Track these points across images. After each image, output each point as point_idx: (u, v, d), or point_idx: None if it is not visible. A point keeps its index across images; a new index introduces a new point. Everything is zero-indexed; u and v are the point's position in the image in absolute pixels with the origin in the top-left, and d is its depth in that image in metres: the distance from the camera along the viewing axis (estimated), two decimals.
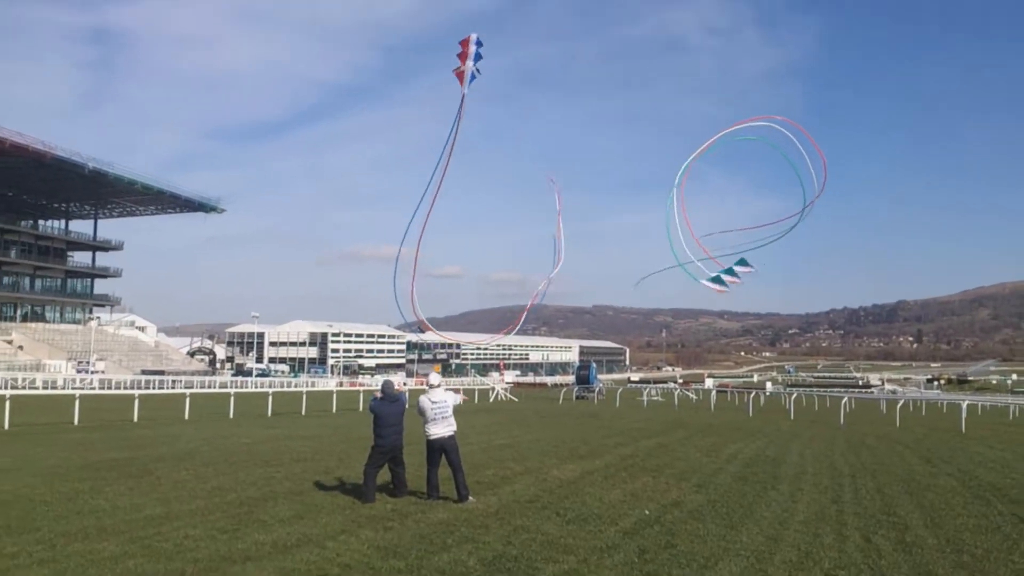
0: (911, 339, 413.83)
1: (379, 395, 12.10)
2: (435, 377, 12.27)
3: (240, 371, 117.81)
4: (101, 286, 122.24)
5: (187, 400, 31.85)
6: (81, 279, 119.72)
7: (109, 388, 55.80)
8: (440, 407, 11.33)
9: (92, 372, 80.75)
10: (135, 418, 28.08)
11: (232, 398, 33.93)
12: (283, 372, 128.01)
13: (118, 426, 25.96)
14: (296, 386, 69.65)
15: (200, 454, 17.25)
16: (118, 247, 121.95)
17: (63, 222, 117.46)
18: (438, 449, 11.32)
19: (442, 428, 11.28)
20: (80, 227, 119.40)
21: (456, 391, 12.24)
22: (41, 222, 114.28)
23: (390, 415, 11.63)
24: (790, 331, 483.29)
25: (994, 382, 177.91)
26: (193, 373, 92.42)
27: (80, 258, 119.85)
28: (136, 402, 29.54)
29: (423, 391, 12.12)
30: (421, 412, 11.45)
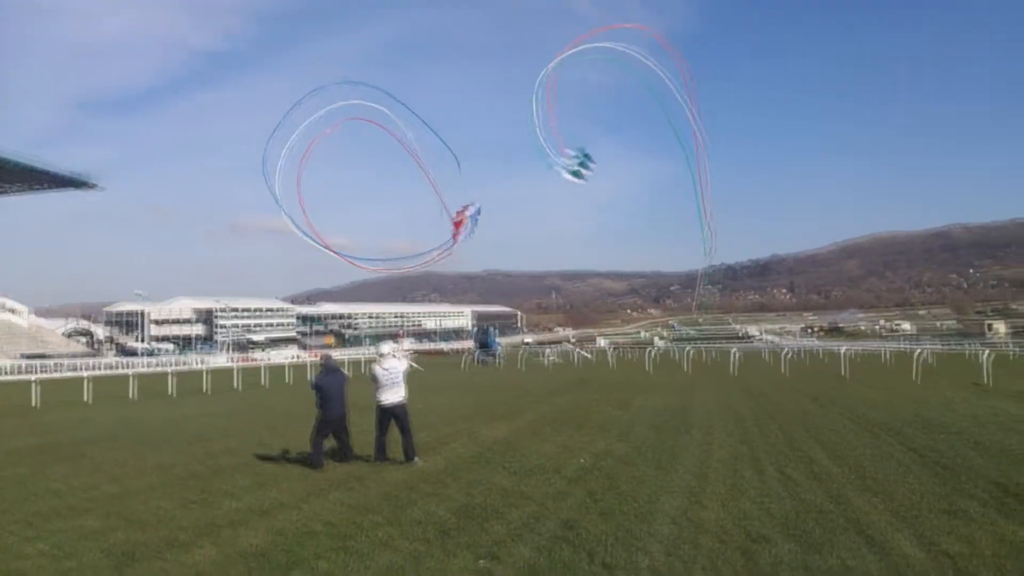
0: (785, 291, 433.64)
1: (322, 363, 12.58)
2: (386, 346, 12.74)
3: (125, 351, 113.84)
4: None
5: (86, 383, 31.10)
6: None
7: None
8: (391, 374, 11.88)
9: None
10: (36, 403, 27.33)
11: (133, 379, 33.23)
12: (168, 351, 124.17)
13: (20, 412, 25.21)
14: (187, 364, 68.11)
15: (123, 435, 17.20)
16: None
17: None
18: (389, 415, 11.88)
19: (392, 395, 11.83)
20: None
21: (406, 357, 12.71)
22: None
23: (333, 387, 12.09)
24: (673, 288, 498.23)
25: (863, 328, 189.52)
26: (77, 355, 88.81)
27: None
28: (35, 387, 28.70)
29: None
30: (374, 379, 11.96)
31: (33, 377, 32.30)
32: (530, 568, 6.42)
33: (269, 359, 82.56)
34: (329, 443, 12.24)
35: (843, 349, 39.37)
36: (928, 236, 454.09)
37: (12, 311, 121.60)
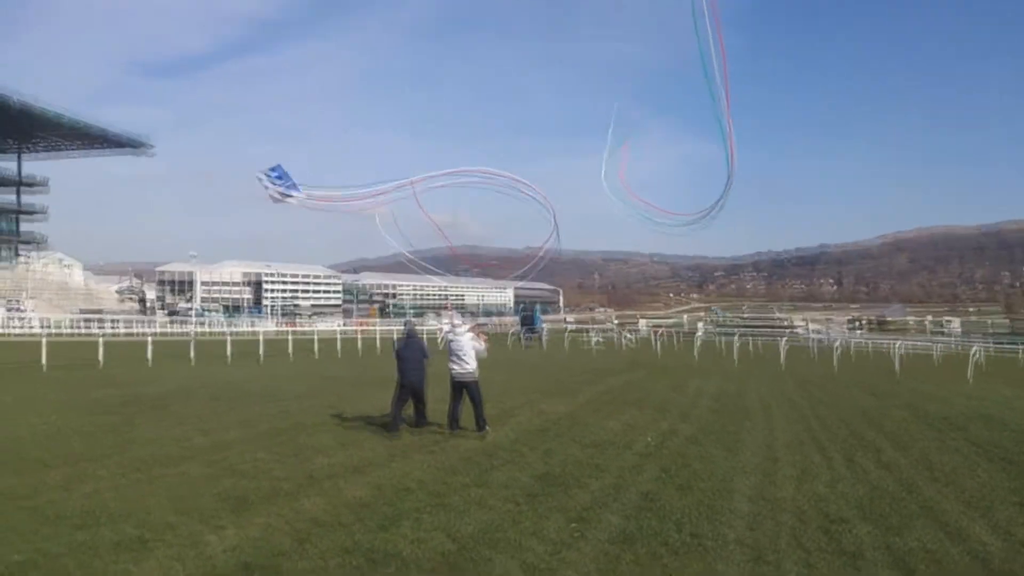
0: (832, 282, 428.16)
1: (403, 336, 12.99)
2: (456, 318, 13.20)
3: (174, 311, 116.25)
4: (27, 225, 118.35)
5: (149, 345, 32.10)
6: (6, 217, 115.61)
7: (48, 327, 54.96)
8: (455, 345, 12.28)
9: (22, 311, 79.04)
10: (100, 361, 28.29)
11: (192, 343, 34.16)
12: (217, 312, 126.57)
13: (87, 367, 26.10)
14: (237, 327, 69.43)
15: (197, 391, 17.87)
16: (43, 184, 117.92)
17: None
18: (458, 386, 12.28)
19: (459, 367, 12.21)
20: (3, 163, 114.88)
21: (479, 336, 12.97)
22: None
23: (411, 357, 12.52)
24: (717, 274, 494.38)
25: (910, 323, 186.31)
26: (131, 313, 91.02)
27: (3, 196, 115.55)
28: (101, 346, 29.69)
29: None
30: (448, 350, 12.39)
31: (99, 333, 33.33)
32: (621, 534, 6.75)
33: (313, 326, 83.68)
34: (407, 411, 12.68)
35: (897, 344, 39.12)
36: (980, 233, 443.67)
37: (68, 267, 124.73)
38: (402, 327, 13.64)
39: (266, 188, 15.26)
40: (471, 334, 12.66)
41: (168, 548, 5.96)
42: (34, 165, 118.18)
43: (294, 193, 15.36)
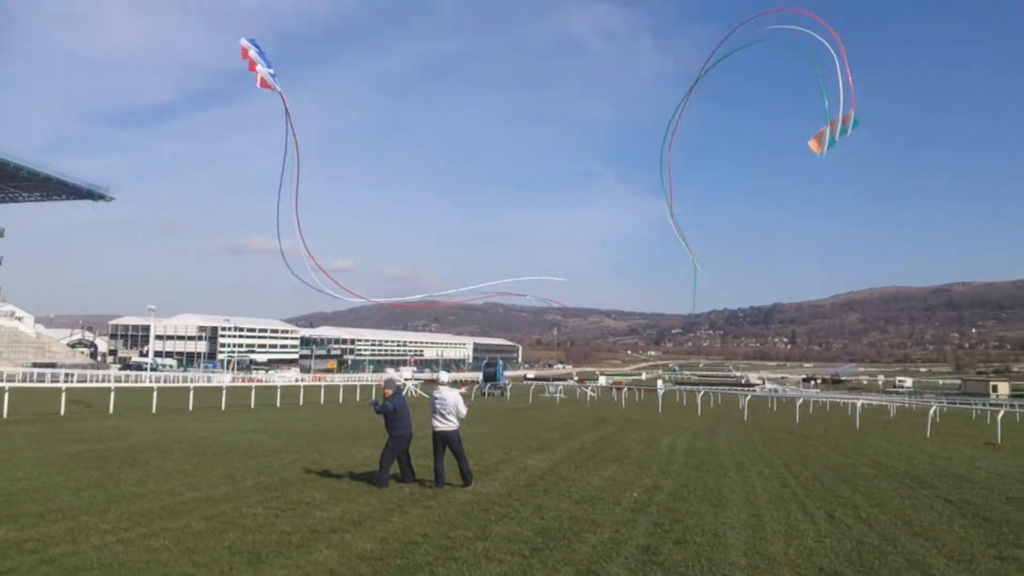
0: (786, 340, 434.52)
1: (385, 392, 13.09)
2: (443, 375, 13.47)
3: (128, 365, 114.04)
4: None
5: (112, 394, 31.63)
6: None
7: (1, 380, 53.67)
8: (439, 402, 12.46)
9: None
10: (62, 411, 27.82)
11: (155, 393, 33.73)
12: (171, 367, 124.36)
13: (50, 419, 25.62)
14: (195, 381, 68.37)
15: (171, 446, 17.69)
16: None
17: None
18: (440, 440, 12.43)
19: (441, 422, 12.39)
20: None
21: (463, 395, 13.18)
22: None
23: (403, 407, 12.69)
24: (673, 331, 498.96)
25: (865, 382, 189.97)
26: (83, 367, 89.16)
27: None
28: (63, 396, 29.22)
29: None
30: (431, 404, 12.58)
31: (63, 385, 32.73)
32: None
33: (272, 380, 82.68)
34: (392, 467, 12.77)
35: (860, 402, 40.03)
36: (930, 292, 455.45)
37: (19, 319, 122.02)
38: (383, 383, 13.77)
39: (256, 61, 15.00)
40: (458, 393, 12.88)
41: None
42: None
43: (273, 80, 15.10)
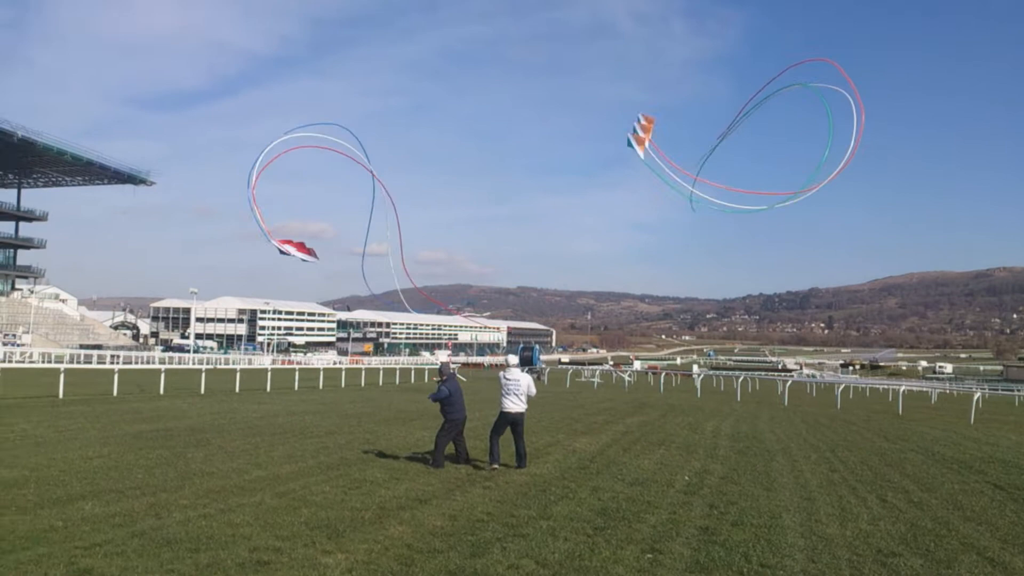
0: (822, 325, 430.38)
1: (440, 378, 13.45)
2: (512, 359, 13.82)
3: (170, 347, 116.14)
4: (24, 257, 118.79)
5: (162, 377, 32.39)
6: (3, 249, 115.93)
7: (50, 362, 55.06)
8: (514, 384, 12.77)
9: (18, 345, 79.08)
10: (115, 392, 28.58)
11: (203, 375, 34.50)
12: (212, 348, 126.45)
13: (105, 400, 26.36)
14: (238, 363, 69.55)
15: (230, 427, 18.22)
16: (42, 218, 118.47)
17: None
18: (509, 422, 12.74)
19: (515, 404, 12.70)
20: (1, 196, 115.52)
21: (536, 377, 13.52)
22: None
23: (457, 391, 13.03)
24: (708, 316, 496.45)
25: (904, 368, 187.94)
26: (128, 348, 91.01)
27: (2, 227, 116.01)
28: (116, 377, 30.01)
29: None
30: (501, 386, 12.86)
31: (116, 367, 33.61)
32: (695, 563, 7.22)
33: (311, 362, 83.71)
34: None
35: (902, 388, 39.83)
36: (971, 277, 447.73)
37: (63, 301, 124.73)
38: (438, 370, 14.12)
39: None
40: (529, 376, 13.20)
41: (290, 570, 6.39)
42: (32, 196, 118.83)
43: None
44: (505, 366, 13.37)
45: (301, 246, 16.05)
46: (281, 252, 15.60)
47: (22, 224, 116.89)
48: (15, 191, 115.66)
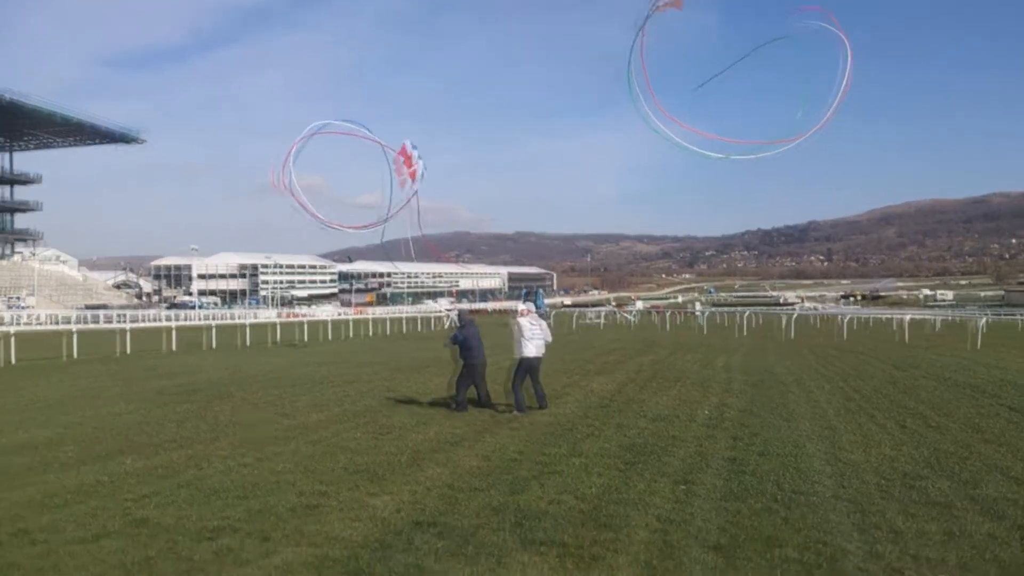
0: (822, 258, 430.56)
1: (458, 324, 13.64)
2: (528, 306, 13.99)
3: (174, 304, 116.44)
4: (20, 220, 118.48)
5: (173, 333, 32.58)
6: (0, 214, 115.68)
7: (56, 324, 55.29)
8: (539, 329, 12.93)
9: (23, 307, 79.31)
10: (127, 350, 28.80)
11: (212, 330, 34.72)
12: (215, 304, 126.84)
13: (115, 359, 26.56)
14: (243, 318, 69.78)
15: (249, 380, 18.41)
16: (36, 180, 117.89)
17: None
18: (530, 367, 12.87)
19: (538, 348, 12.85)
20: None
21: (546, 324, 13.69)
22: None
23: (474, 336, 13.17)
24: (707, 253, 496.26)
25: (904, 296, 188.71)
26: (132, 307, 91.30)
27: None
28: (128, 336, 30.24)
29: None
30: (519, 332, 12.96)
31: (128, 325, 33.84)
32: (729, 492, 7.41)
33: (314, 315, 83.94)
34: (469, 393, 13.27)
35: (907, 317, 40.15)
36: (968, 204, 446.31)
37: (64, 262, 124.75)
38: (453, 314, 14.38)
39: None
40: (544, 321, 13.36)
41: (340, 512, 6.58)
42: (24, 159, 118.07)
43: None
44: (524, 312, 13.46)
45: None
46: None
47: (16, 188, 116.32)
48: (6, 155, 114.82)
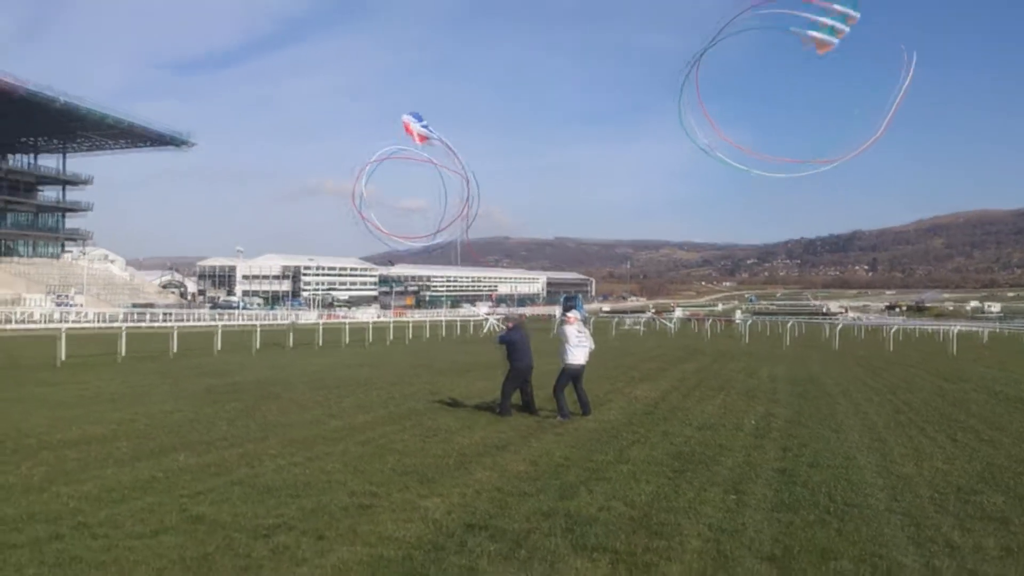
0: (866, 268, 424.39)
1: (507, 326, 13.69)
2: (575, 313, 14.02)
3: (218, 304, 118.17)
4: (71, 220, 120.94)
5: (219, 334, 33.07)
6: (52, 214, 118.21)
7: (104, 322, 56.43)
8: (586, 337, 12.95)
9: (72, 306, 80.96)
10: (175, 348, 29.26)
11: (258, 331, 35.19)
12: (259, 304, 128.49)
13: (164, 357, 26.98)
14: (286, 319, 70.63)
15: (294, 381, 18.65)
16: (87, 182, 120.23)
17: (32, 157, 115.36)
18: (574, 374, 12.86)
19: (582, 356, 12.85)
20: (47, 162, 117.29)
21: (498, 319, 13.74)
22: (10, 157, 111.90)
23: (523, 340, 13.20)
24: (748, 261, 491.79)
25: (950, 308, 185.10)
26: (178, 307, 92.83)
27: (49, 193, 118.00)
28: (175, 335, 30.72)
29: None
30: (566, 339, 12.96)
31: (173, 324, 34.44)
32: (780, 503, 7.34)
33: (355, 317, 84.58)
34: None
35: (955, 328, 39.46)
36: (1017, 215, 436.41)
37: (112, 262, 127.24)
38: (502, 319, 14.45)
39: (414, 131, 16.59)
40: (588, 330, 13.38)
41: (392, 512, 6.63)
42: (77, 161, 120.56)
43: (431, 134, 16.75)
44: (571, 320, 13.43)
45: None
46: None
47: (68, 189, 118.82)
48: (59, 156, 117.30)
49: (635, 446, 10.08)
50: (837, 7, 12.11)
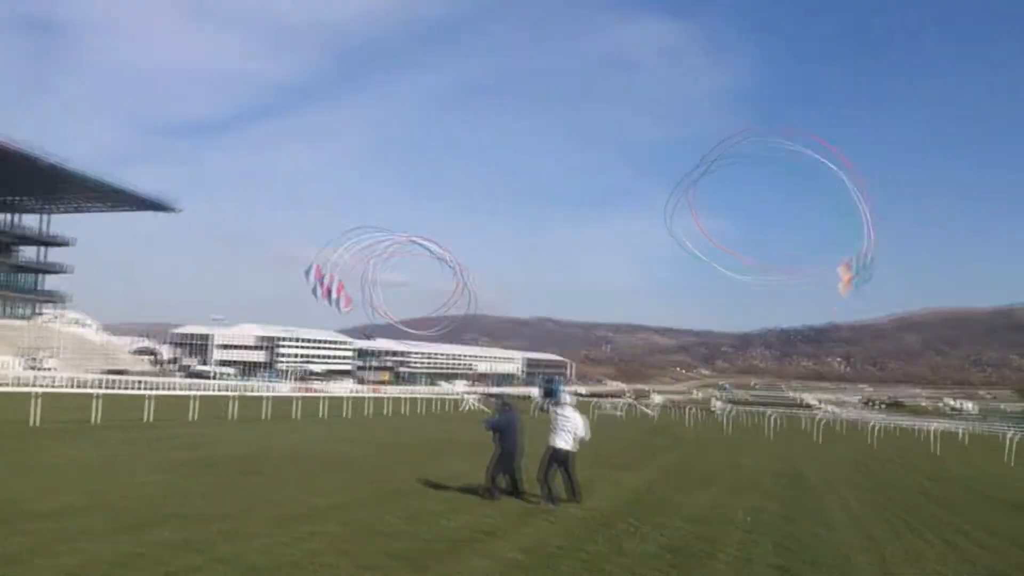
0: (840, 361, 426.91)
1: (499, 407, 13.55)
2: (567, 396, 13.90)
3: (191, 373, 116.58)
4: (51, 281, 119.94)
5: (193, 402, 32.46)
6: (29, 274, 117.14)
7: (76, 387, 55.33)
8: (564, 421, 12.73)
9: (43, 370, 79.65)
10: (151, 418, 28.65)
11: (235, 401, 34.60)
12: (232, 375, 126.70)
13: (138, 426, 26.37)
14: (260, 391, 69.67)
15: (274, 455, 18.26)
16: (69, 243, 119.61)
17: (12, 216, 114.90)
18: (558, 459, 12.65)
19: (564, 441, 12.64)
20: (30, 221, 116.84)
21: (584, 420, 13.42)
22: None
23: (511, 423, 13.02)
24: (723, 349, 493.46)
25: (925, 405, 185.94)
26: (152, 374, 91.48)
27: (29, 253, 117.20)
28: (152, 403, 30.12)
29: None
30: (554, 422, 12.80)
31: (148, 392, 33.78)
32: None
33: (330, 390, 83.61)
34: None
35: (934, 427, 39.57)
36: (991, 314, 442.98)
37: (87, 326, 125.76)
38: (493, 402, 14.32)
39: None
40: (582, 418, 13.16)
41: None
42: (59, 222, 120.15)
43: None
44: (556, 403, 13.33)
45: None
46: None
47: (50, 249, 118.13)
48: (40, 216, 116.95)
49: (629, 537, 9.88)
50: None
